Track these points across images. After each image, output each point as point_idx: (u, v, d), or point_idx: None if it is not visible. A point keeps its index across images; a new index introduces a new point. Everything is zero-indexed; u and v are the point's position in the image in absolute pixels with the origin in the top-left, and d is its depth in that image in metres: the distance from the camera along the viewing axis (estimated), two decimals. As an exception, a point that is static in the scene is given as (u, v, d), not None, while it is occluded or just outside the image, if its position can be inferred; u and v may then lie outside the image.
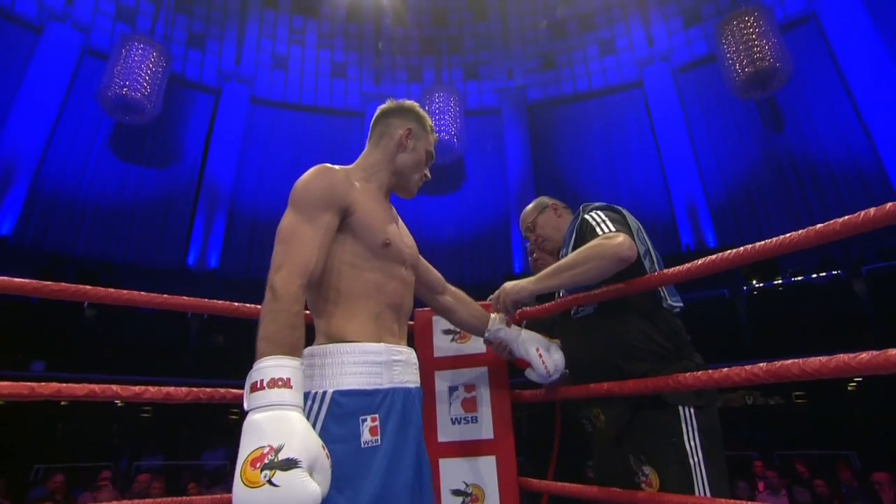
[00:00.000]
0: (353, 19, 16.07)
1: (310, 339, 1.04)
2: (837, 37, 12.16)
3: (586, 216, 1.46)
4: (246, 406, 0.87)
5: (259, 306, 1.02)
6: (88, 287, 1.16)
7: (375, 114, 1.35)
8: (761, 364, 0.95)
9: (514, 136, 16.06)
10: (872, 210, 0.84)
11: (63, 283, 1.14)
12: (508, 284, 1.37)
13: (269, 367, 0.87)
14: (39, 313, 8.31)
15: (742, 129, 13.40)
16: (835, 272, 8.33)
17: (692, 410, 1.23)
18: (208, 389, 1.25)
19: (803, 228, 0.89)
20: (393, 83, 16.55)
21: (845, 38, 12.02)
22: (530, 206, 1.76)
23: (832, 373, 0.85)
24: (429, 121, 1.34)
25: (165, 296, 1.37)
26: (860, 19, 11.88)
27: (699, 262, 1.12)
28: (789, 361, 0.92)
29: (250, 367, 0.90)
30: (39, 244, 11.68)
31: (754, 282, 9.53)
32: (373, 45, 16.55)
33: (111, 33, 13.37)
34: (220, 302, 1.39)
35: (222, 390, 1.28)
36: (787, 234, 0.97)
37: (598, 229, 1.37)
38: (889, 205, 0.82)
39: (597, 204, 1.52)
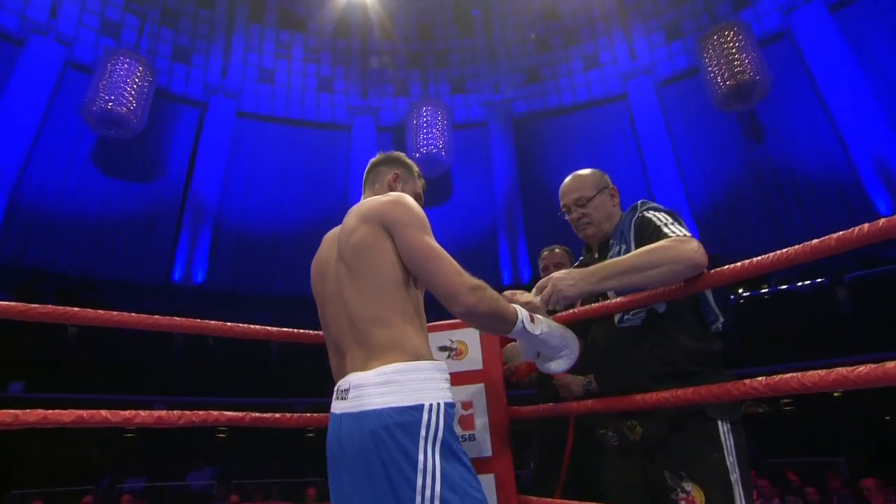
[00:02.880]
0: (340, 34, 16.15)
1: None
2: (811, 52, 12.53)
3: (647, 214, 1.40)
4: (524, 327, 1.10)
5: (246, 325, 1.31)
6: (76, 309, 1.12)
7: (367, 167, 1.45)
8: (760, 378, 0.95)
9: (500, 149, 16.19)
10: (866, 226, 0.86)
11: (49, 306, 1.11)
12: (559, 277, 1.21)
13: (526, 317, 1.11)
14: (16, 331, 8.08)
15: (724, 140, 13.66)
16: (818, 280, 8.48)
17: (729, 426, 1.22)
18: (201, 413, 1.21)
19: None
20: (380, 97, 16.62)
21: (819, 53, 12.39)
22: (587, 176, 1.59)
23: (831, 386, 0.85)
24: (415, 168, 1.45)
25: (156, 317, 1.34)
26: (832, 36, 12.27)
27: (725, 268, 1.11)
28: (788, 375, 0.92)
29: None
30: (19, 259, 11.43)
31: (741, 290, 9.65)
32: (360, 58, 16.63)
33: (95, 47, 13.27)
34: (211, 322, 1.38)
35: (215, 413, 1.24)
36: (787, 249, 0.99)
37: (665, 229, 1.29)
38: (882, 220, 0.83)
39: (652, 203, 1.47)
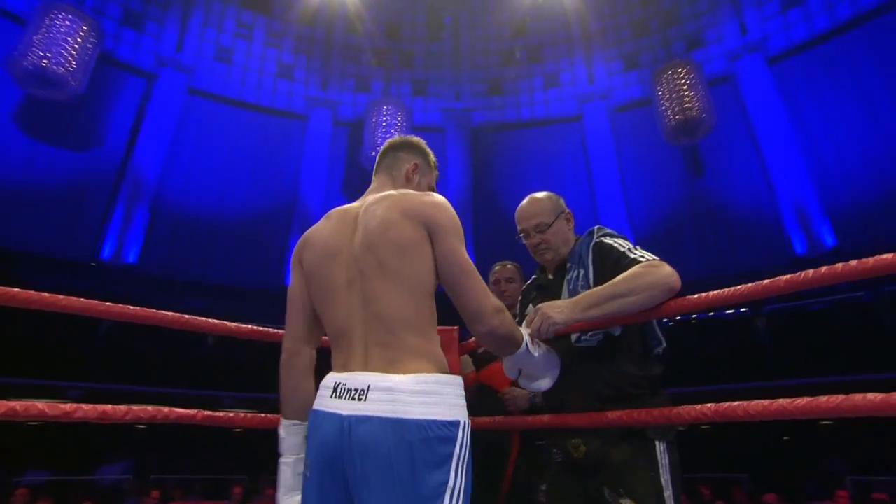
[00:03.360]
0: (305, 21, 15.75)
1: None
2: (750, 99, 13.55)
3: (606, 240, 1.45)
4: (527, 350, 1.15)
5: (179, 314, 1.28)
6: None
7: (384, 146, 1.37)
8: (709, 405, 1.03)
9: (455, 157, 16.33)
10: (811, 272, 0.95)
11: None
12: (547, 307, 1.23)
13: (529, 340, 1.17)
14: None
15: (668, 170, 14.46)
16: (742, 310, 9.14)
17: (665, 445, 1.30)
18: (150, 409, 1.14)
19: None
20: (340, 90, 16.35)
21: (756, 101, 13.44)
22: (545, 201, 1.60)
23: (773, 415, 0.93)
24: (433, 157, 1.39)
25: (77, 299, 1.19)
26: (768, 87, 13.36)
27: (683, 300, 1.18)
28: (735, 403, 1.00)
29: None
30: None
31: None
32: (323, 49, 16.29)
33: (32, -4, 12.24)
34: (138, 308, 1.27)
35: (165, 409, 1.17)
36: (742, 287, 1.07)
37: (630, 255, 1.35)
38: (824, 268, 0.93)
39: (607, 230, 1.52)
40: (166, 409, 1.17)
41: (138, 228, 12.95)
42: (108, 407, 1.08)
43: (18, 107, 11.97)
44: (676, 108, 12.18)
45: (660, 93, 12.75)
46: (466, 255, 1.10)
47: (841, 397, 0.87)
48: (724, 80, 14.16)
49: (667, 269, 1.27)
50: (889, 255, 0.95)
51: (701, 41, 14.70)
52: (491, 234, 15.50)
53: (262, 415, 1.39)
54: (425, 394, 0.97)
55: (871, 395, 0.86)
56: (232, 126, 14.99)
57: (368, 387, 0.98)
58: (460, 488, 0.94)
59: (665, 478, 1.27)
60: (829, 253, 11.59)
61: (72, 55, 10.83)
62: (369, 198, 1.21)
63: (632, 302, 1.21)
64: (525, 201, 1.63)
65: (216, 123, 14.84)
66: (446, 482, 0.92)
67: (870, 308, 8.27)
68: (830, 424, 8.69)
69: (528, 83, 16.78)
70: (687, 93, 12.18)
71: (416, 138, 1.38)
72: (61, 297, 1.15)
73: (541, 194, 1.63)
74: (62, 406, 1.02)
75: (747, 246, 12.91)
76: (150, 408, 1.14)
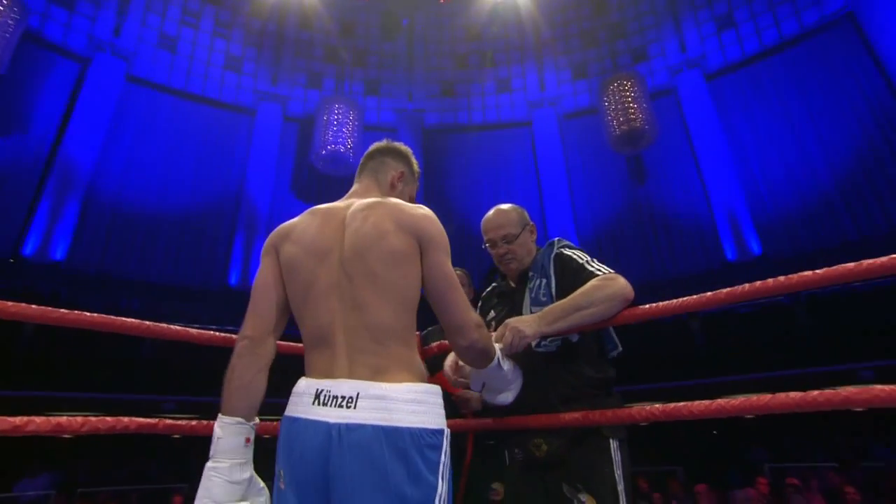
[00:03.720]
0: (256, 13, 15.26)
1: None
2: (689, 111, 14.39)
3: (566, 252, 1.55)
4: (498, 364, 1.21)
5: (107, 316, 1.22)
6: None
7: (371, 149, 1.38)
8: (658, 405, 1.12)
9: (408, 157, 16.33)
10: (747, 285, 1.06)
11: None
12: (516, 322, 1.29)
13: (500, 355, 1.22)
14: None
15: (612, 177, 15.09)
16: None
17: (618, 443, 1.40)
18: (109, 419, 1.10)
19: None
20: (290, 86, 15.96)
21: (694, 113, 14.29)
22: (512, 212, 1.66)
23: (713, 413, 1.03)
24: (417, 167, 1.41)
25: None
26: (705, 101, 14.23)
27: (655, 306, 1.29)
28: (681, 404, 1.10)
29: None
30: None
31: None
32: (274, 43, 15.84)
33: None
34: (58, 310, 1.16)
35: (125, 419, 1.13)
36: (700, 296, 1.19)
37: (589, 267, 1.45)
38: (771, 280, 1.05)
39: (566, 241, 1.62)
40: (126, 419, 1.12)
41: (68, 222, 12.09)
42: (64, 418, 1.04)
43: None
44: (621, 119, 12.74)
45: (606, 103, 13.30)
46: (452, 270, 1.13)
47: (769, 396, 0.98)
48: (666, 93, 14.94)
49: (622, 282, 1.38)
50: (809, 273, 1.06)
51: (645, 55, 15.45)
52: (442, 235, 15.62)
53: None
54: (417, 402, 0.99)
55: (793, 394, 0.97)
56: (175, 117, 14.30)
57: (357, 394, 0.98)
58: (446, 494, 0.97)
59: (618, 473, 1.38)
60: (756, 259, 12.49)
61: (-9, 32, 10.00)
62: (357, 201, 1.20)
63: (592, 313, 1.31)
64: (492, 212, 1.68)
65: (158, 114, 14.11)
66: (436, 487, 0.95)
67: (790, 310, 9.01)
68: (752, 418, 9.39)
69: (481, 87, 17.03)
70: (631, 105, 12.77)
71: (403, 146, 1.40)
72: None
73: (507, 206, 1.69)
74: (11, 420, 0.97)
75: (685, 251, 13.69)
76: (109, 419, 1.09)
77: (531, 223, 1.69)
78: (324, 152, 13.64)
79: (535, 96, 16.50)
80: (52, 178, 12.13)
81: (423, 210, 1.17)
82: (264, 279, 1.16)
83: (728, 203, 13.33)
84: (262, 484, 1.06)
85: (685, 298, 1.19)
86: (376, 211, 1.13)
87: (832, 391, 0.96)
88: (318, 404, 0.99)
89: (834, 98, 12.28)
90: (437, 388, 1.06)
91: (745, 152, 13.46)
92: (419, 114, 16.69)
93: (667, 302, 1.24)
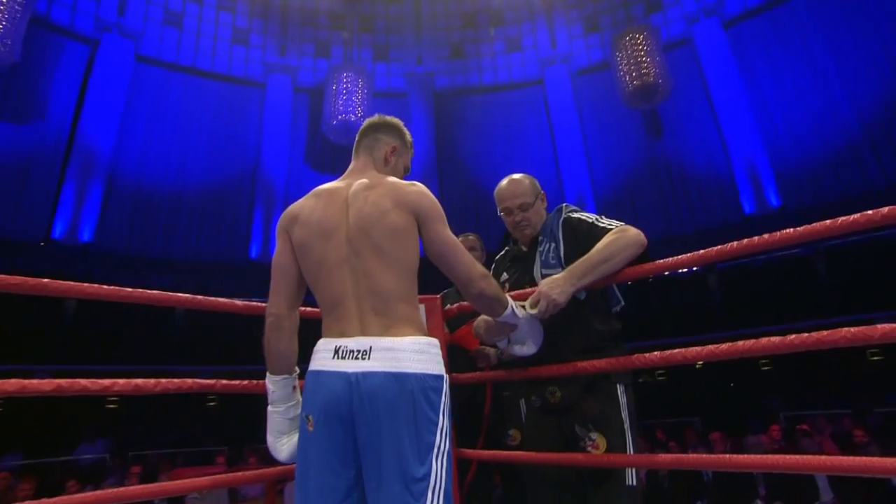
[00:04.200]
0: (258, -17, 15.03)
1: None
2: (707, 61, 13.91)
3: (574, 215, 1.67)
4: (513, 312, 1.35)
5: (140, 290, 1.36)
6: None
7: (363, 126, 1.48)
8: (656, 353, 1.25)
9: (419, 122, 16.18)
10: (767, 235, 1.16)
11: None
12: (549, 288, 1.39)
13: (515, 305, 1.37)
14: None
15: (628, 133, 14.82)
16: (694, 269, 9.70)
17: (624, 388, 1.56)
18: (176, 380, 1.27)
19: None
20: (299, 56, 15.83)
21: (712, 63, 13.80)
22: (526, 182, 1.75)
23: (704, 357, 1.16)
24: (409, 138, 1.51)
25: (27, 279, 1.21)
26: (724, 49, 13.72)
27: (669, 260, 1.39)
28: (676, 351, 1.22)
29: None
30: None
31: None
32: (280, 13, 15.63)
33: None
34: (92, 285, 1.31)
35: (189, 381, 1.30)
36: (696, 253, 1.31)
37: (600, 224, 1.57)
38: (790, 230, 1.15)
39: (573, 206, 1.74)
40: (189, 381, 1.30)
41: (93, 204, 12.46)
42: (140, 381, 1.21)
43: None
44: (634, 75, 12.42)
45: (619, 58, 12.94)
46: (450, 234, 1.29)
47: (752, 341, 1.10)
48: (682, 44, 14.45)
49: (634, 231, 1.51)
50: (827, 221, 1.10)
51: (659, 4, 14.88)
52: (456, 196, 15.62)
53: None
54: (420, 352, 1.16)
55: (773, 339, 1.08)
56: (187, 95, 14.38)
57: (370, 348, 1.15)
58: (446, 427, 1.16)
59: (624, 413, 1.54)
60: (775, 211, 12.31)
61: (-1, 18, 10.07)
62: (356, 182, 1.33)
63: (616, 262, 1.44)
64: (507, 182, 1.78)
65: (170, 92, 14.20)
66: (437, 422, 1.14)
67: (809, 262, 8.95)
68: (769, 368, 9.51)
69: (490, 47, 16.66)
70: (644, 59, 12.41)
71: (394, 119, 1.49)
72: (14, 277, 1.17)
73: (520, 176, 1.79)
74: (101, 381, 1.14)
75: (703, 205, 13.52)
76: (175, 380, 1.27)
77: (542, 192, 1.80)
78: (335, 122, 13.64)
79: (547, 53, 16.10)
80: (74, 162, 12.42)
81: (417, 187, 1.31)
82: (280, 260, 1.32)
83: (747, 155, 13.05)
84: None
85: (697, 252, 1.29)
86: (376, 191, 1.28)
87: (806, 335, 1.04)
88: (338, 358, 1.17)
89: (863, 40, 11.73)
90: (435, 341, 1.23)
91: (766, 101, 13.05)
92: (429, 77, 16.47)
93: (682, 256, 1.33)
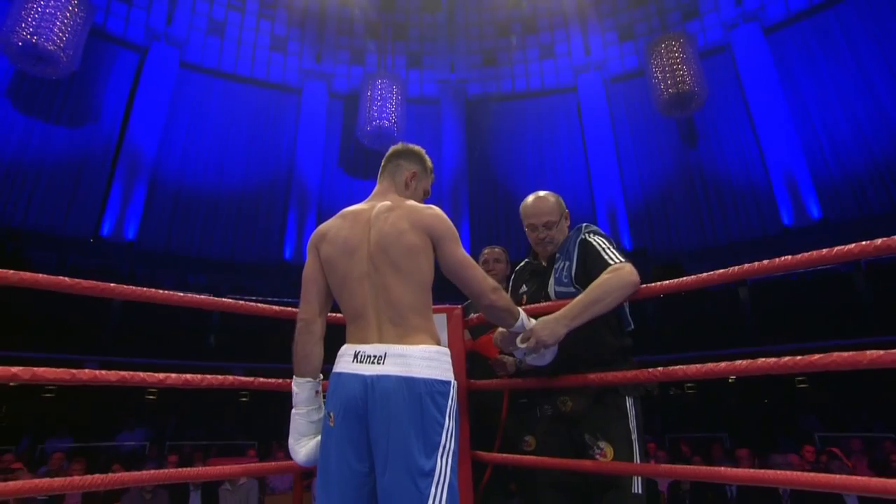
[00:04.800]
0: (298, -7, 15.51)
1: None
2: (745, 68, 13.59)
3: (589, 237, 1.74)
4: (524, 324, 1.46)
5: (176, 293, 1.46)
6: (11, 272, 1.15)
7: (388, 153, 1.63)
8: (659, 368, 1.32)
9: (451, 128, 16.36)
10: (788, 257, 1.19)
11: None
12: (540, 329, 1.48)
13: (525, 317, 1.48)
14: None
15: (662, 141, 14.60)
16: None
17: (632, 401, 1.63)
18: (219, 377, 1.43)
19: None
20: (334, 63, 16.24)
21: (751, 70, 13.47)
22: (555, 202, 1.84)
23: (703, 375, 1.22)
24: (429, 164, 1.65)
25: (79, 281, 1.31)
26: (764, 56, 13.37)
27: (702, 276, 1.41)
28: (678, 367, 1.28)
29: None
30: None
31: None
32: (317, 21, 16.09)
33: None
34: (136, 288, 1.41)
35: (230, 377, 1.45)
36: (707, 274, 1.35)
37: (605, 256, 1.65)
38: (802, 255, 1.17)
39: (593, 227, 1.80)
40: (231, 378, 1.45)
41: (137, 205, 13.08)
42: (189, 375, 1.36)
43: (10, 82, 11.91)
44: (669, 82, 12.24)
45: (654, 66, 12.78)
46: (464, 252, 1.41)
47: (746, 362, 1.15)
48: (720, 50, 14.17)
49: (627, 269, 1.57)
50: (865, 243, 1.08)
51: (696, 11, 14.63)
52: (486, 203, 15.71)
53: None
54: (429, 360, 1.28)
55: (786, 359, 1.13)
56: (226, 100, 14.96)
57: (385, 354, 1.28)
58: (453, 429, 1.27)
59: (632, 425, 1.61)
60: (816, 224, 11.90)
61: (62, 30, 10.73)
62: (378, 204, 1.48)
63: (608, 303, 1.52)
64: (533, 198, 1.88)
65: (210, 98, 14.80)
66: (443, 423, 1.25)
67: (847, 278, 8.63)
68: (805, 386, 9.20)
69: (523, 54, 16.70)
70: (680, 66, 12.22)
71: (416, 147, 1.64)
72: (68, 279, 1.29)
73: (546, 194, 1.89)
74: (157, 375, 1.29)
75: (739, 216, 13.18)
76: (219, 376, 1.42)
77: (567, 210, 1.90)
78: (369, 128, 13.92)
79: (580, 61, 16.04)
80: (122, 164, 13.08)
81: (433, 210, 1.44)
82: (309, 273, 1.46)
83: (786, 164, 12.67)
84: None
85: (733, 268, 1.30)
86: (395, 213, 1.42)
87: (821, 356, 1.09)
88: (357, 362, 1.30)
89: (914, 45, 11.24)
90: (446, 350, 1.35)
91: (807, 109, 12.65)
92: (462, 84, 16.63)
93: (717, 271, 1.35)
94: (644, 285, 1.56)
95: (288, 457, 1.43)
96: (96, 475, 1.25)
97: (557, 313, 1.51)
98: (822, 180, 12.13)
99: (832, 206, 11.89)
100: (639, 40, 15.17)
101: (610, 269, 1.59)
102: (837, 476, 1.05)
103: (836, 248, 1.12)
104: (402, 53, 16.51)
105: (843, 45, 12.30)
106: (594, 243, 1.71)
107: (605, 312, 1.52)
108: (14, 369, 1.10)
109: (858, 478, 1.02)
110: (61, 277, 1.27)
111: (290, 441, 1.40)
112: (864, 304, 8.23)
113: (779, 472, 1.11)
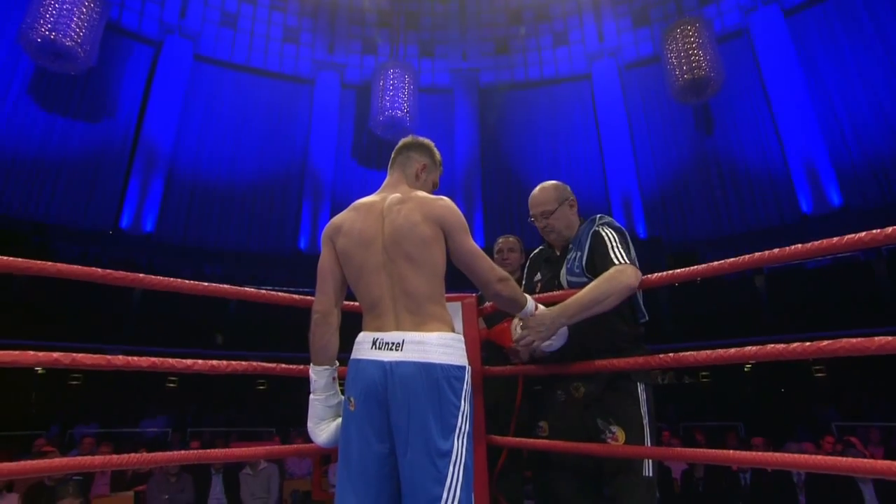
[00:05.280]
0: (309, -17, 15.49)
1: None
2: (764, 53, 13.28)
3: (601, 230, 1.75)
4: (528, 309, 1.52)
5: (193, 282, 1.52)
6: (35, 262, 1.20)
7: (399, 145, 1.66)
8: (670, 354, 1.35)
9: (463, 117, 16.29)
10: (800, 246, 1.20)
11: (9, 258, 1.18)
12: (535, 323, 1.54)
13: (533, 305, 1.54)
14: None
15: (677, 128, 14.38)
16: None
17: (643, 386, 1.67)
18: (244, 363, 1.49)
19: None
20: (346, 53, 16.24)
21: (770, 54, 13.15)
22: (551, 190, 1.87)
23: (712, 361, 1.24)
24: (438, 157, 1.69)
25: (107, 271, 1.38)
26: (783, 39, 13.04)
27: (714, 264, 1.42)
28: (687, 353, 1.31)
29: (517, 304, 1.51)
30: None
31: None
32: (328, 12, 16.08)
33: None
34: (163, 278, 1.48)
35: (255, 363, 1.52)
36: (715, 263, 1.37)
37: (611, 254, 1.66)
38: (810, 244, 1.18)
39: (607, 219, 1.81)
40: (255, 363, 1.52)
41: (155, 197, 13.30)
42: (215, 361, 1.42)
43: (30, 79, 12.13)
44: (685, 68, 12.03)
45: (669, 52, 12.56)
46: (473, 243, 1.46)
47: (756, 348, 1.17)
48: (737, 35, 13.86)
49: (628, 272, 1.59)
50: (889, 229, 1.05)
51: (713, -6, 14.32)
52: (500, 192, 15.66)
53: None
54: (446, 346, 1.33)
55: (794, 345, 1.14)
56: (240, 92, 15.07)
57: (403, 341, 1.33)
58: (467, 411, 1.33)
59: (644, 410, 1.65)
60: (836, 211, 11.68)
61: (79, 26, 10.88)
62: (390, 196, 1.52)
63: (607, 304, 1.55)
64: (535, 189, 1.92)
65: (224, 90, 14.92)
66: (459, 406, 1.31)
67: (867, 266, 8.48)
68: (822, 376, 9.10)
69: (536, 41, 16.51)
70: (696, 52, 11.99)
71: (426, 140, 1.67)
72: (99, 269, 1.36)
73: (549, 184, 1.92)
74: (185, 361, 1.36)
75: (756, 204, 12.96)
76: (244, 362, 1.48)
77: (571, 198, 1.89)
78: (381, 118, 13.93)
79: (594, 48, 15.81)
80: (139, 157, 13.29)
81: (444, 201, 1.48)
82: (325, 265, 1.50)
83: (805, 150, 12.42)
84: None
85: (751, 255, 1.30)
86: (407, 205, 1.46)
87: (829, 342, 1.10)
88: (375, 349, 1.35)
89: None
90: (461, 337, 1.40)
91: (828, 93, 12.33)
92: (474, 73, 16.52)
93: (733, 259, 1.36)
94: (656, 274, 1.58)
95: (306, 442, 1.49)
96: (130, 454, 1.33)
97: (556, 309, 1.55)
98: (843, 166, 11.86)
99: (853, 192, 11.63)
100: (654, 26, 14.91)
101: (612, 269, 1.61)
102: (846, 459, 1.07)
103: (847, 237, 1.11)
104: (414, 43, 16.44)
105: (869, 27, 11.91)
106: (605, 236, 1.73)
107: (604, 311, 1.56)
108: (55, 355, 1.17)
109: (866, 460, 1.03)
110: (94, 268, 1.34)
111: (310, 425, 1.46)
112: (885, 293, 8.10)
113: (786, 454, 1.13)
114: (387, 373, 1.30)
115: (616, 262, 1.64)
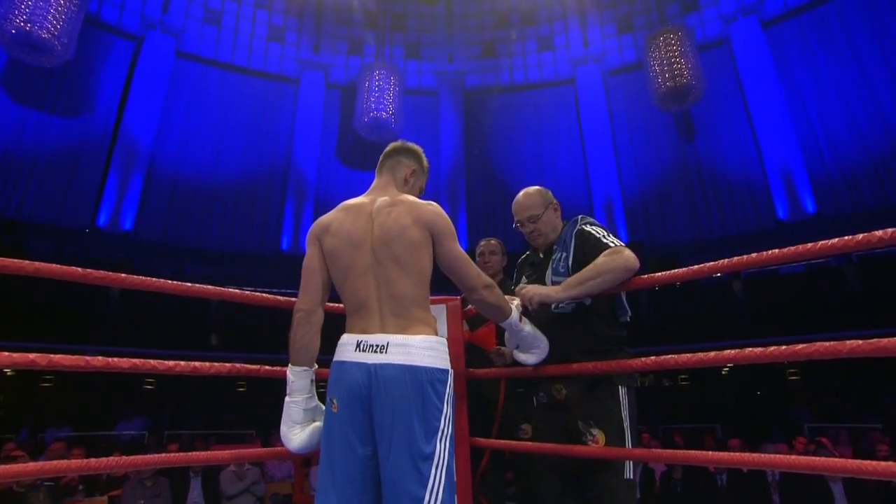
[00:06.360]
0: (295, -18, 15.38)
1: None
2: (743, 62, 13.61)
3: (586, 227, 1.78)
4: (513, 319, 1.54)
5: (175, 282, 1.49)
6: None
7: (387, 149, 1.67)
8: (651, 357, 1.37)
9: (449, 120, 16.33)
10: (776, 251, 1.22)
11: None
12: (534, 290, 1.63)
13: (517, 316, 1.56)
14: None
15: (659, 134, 14.63)
16: (718, 275, 9.57)
17: (625, 390, 1.69)
18: (227, 364, 1.47)
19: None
20: (332, 53, 16.15)
21: (749, 64, 13.49)
22: (536, 195, 1.89)
23: (693, 364, 1.27)
24: (426, 162, 1.70)
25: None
26: (762, 50, 13.38)
27: (693, 268, 1.44)
28: (669, 356, 1.33)
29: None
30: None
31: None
32: (314, 11, 15.98)
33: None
34: (144, 278, 1.44)
35: (238, 364, 1.50)
36: (700, 266, 1.38)
37: (604, 241, 1.69)
38: (789, 249, 1.21)
39: (589, 218, 1.85)
40: (238, 365, 1.50)
41: (134, 195, 13.04)
42: (198, 363, 1.40)
43: (6, 73, 11.81)
44: (667, 76, 12.25)
45: (652, 59, 12.78)
46: (460, 249, 1.47)
47: (735, 351, 1.20)
48: (718, 44, 14.17)
49: (625, 254, 1.61)
50: (860, 236, 1.08)
51: (696, 4, 14.61)
52: (484, 194, 15.72)
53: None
54: (430, 349, 1.34)
55: (772, 348, 1.17)
56: (223, 90, 14.87)
57: (388, 343, 1.33)
58: (450, 414, 1.34)
59: (625, 413, 1.67)
60: (810, 218, 12.00)
61: (56, 18, 10.61)
62: (379, 199, 1.51)
63: (605, 281, 1.57)
64: (519, 195, 1.94)
65: (207, 88, 14.71)
66: (442, 409, 1.31)
67: (839, 271, 8.74)
68: (797, 379, 9.33)
69: (522, 45, 16.65)
70: (678, 60, 12.22)
71: (415, 146, 1.69)
72: (79, 268, 1.33)
73: (532, 189, 1.94)
74: (167, 363, 1.33)
75: (735, 210, 13.25)
76: (227, 364, 1.46)
77: (554, 202, 1.93)
78: (366, 119, 13.87)
79: (579, 53, 16.00)
80: (118, 154, 13.02)
81: (433, 206, 1.49)
82: (311, 264, 1.49)
83: (782, 159, 12.74)
84: (323, 407, 1.45)
85: (729, 259, 1.33)
86: (397, 208, 1.46)
87: (805, 345, 1.13)
88: (359, 351, 1.35)
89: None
90: (444, 340, 1.41)
91: (804, 104, 12.69)
92: (460, 76, 16.57)
93: (711, 263, 1.38)
94: (638, 277, 1.60)
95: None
96: (100, 458, 1.29)
97: (554, 286, 1.60)
98: (818, 175, 12.20)
99: (827, 200, 11.98)
100: (637, 33, 15.15)
101: (609, 251, 1.64)
102: (820, 458, 1.10)
103: (821, 243, 1.14)
104: (400, 44, 16.43)
105: (842, 40, 12.31)
106: (592, 231, 1.76)
107: (598, 290, 1.57)
108: (32, 356, 1.14)
109: (839, 460, 1.07)
110: (73, 267, 1.31)
111: (283, 428, 1.42)
112: (856, 298, 8.34)
113: (763, 455, 1.16)
114: (371, 375, 1.30)
115: (611, 246, 1.67)
